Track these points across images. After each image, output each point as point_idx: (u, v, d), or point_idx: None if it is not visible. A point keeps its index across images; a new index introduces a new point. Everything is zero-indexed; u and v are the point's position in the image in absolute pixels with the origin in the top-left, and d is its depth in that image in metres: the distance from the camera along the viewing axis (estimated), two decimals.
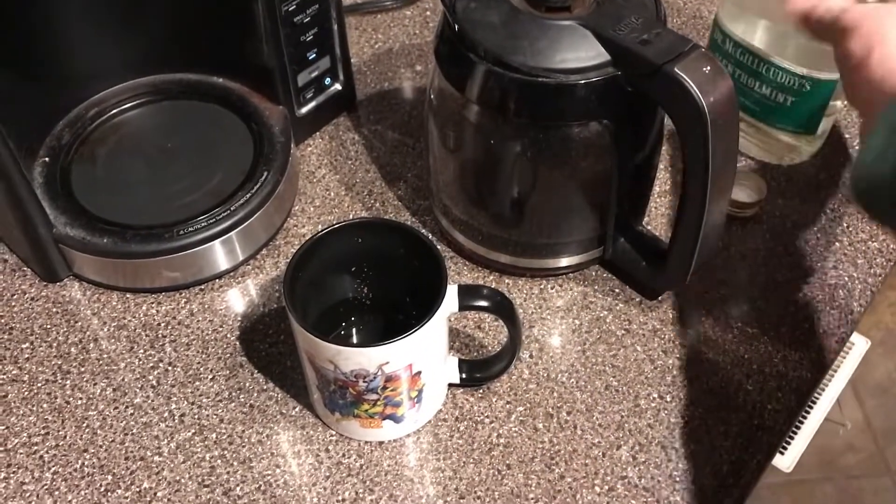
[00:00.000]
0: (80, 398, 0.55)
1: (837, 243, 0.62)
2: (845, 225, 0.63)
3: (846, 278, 0.60)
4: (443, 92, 0.53)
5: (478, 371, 0.54)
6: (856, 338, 1.53)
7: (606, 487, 0.51)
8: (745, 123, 0.65)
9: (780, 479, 1.39)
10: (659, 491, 0.51)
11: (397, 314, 0.55)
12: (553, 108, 0.50)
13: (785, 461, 1.39)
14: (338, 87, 0.68)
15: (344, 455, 0.52)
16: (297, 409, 0.54)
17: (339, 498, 0.51)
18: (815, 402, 1.44)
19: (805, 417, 1.42)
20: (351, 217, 0.64)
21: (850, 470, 1.42)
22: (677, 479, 0.51)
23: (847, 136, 0.69)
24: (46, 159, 0.61)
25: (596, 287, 0.60)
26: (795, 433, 1.40)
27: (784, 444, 1.39)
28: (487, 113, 0.51)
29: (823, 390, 1.45)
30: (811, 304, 0.59)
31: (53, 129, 0.63)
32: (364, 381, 0.48)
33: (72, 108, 0.64)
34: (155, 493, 0.51)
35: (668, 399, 0.54)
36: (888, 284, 1.62)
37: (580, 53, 0.48)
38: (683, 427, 0.53)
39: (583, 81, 0.48)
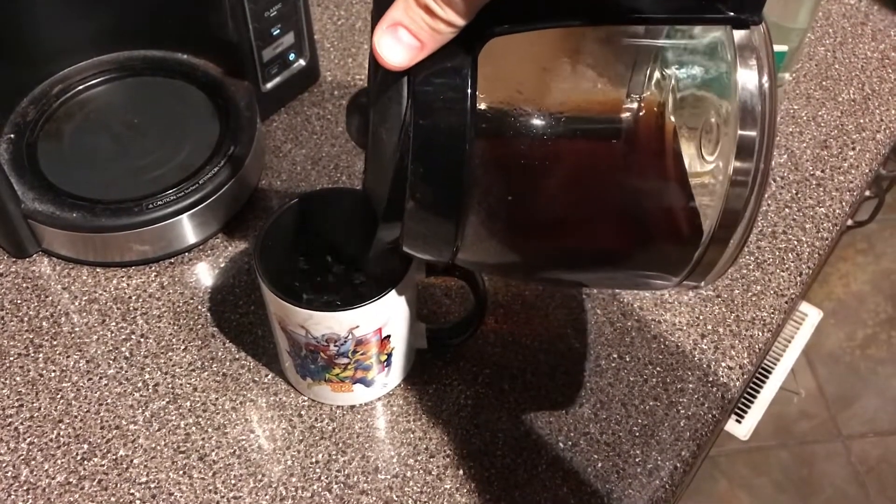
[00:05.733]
0: (54, 370, 0.56)
1: (787, 209, 0.65)
2: (794, 192, 0.66)
3: (795, 242, 0.63)
4: None
5: (445, 336, 0.56)
6: (809, 309, 1.58)
7: (570, 443, 0.53)
8: None
9: (737, 447, 1.43)
10: (620, 445, 0.53)
11: (367, 280, 0.56)
12: None
13: (742, 430, 1.44)
14: (302, 62, 0.69)
15: (316, 419, 0.54)
16: (269, 377, 0.56)
17: (313, 460, 0.52)
18: (770, 372, 1.48)
19: (761, 387, 1.46)
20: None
21: (804, 436, 1.47)
22: (637, 433, 0.53)
23: (795, 106, 0.71)
24: (12, 136, 0.61)
25: None
26: (752, 403, 1.45)
27: (741, 414, 1.43)
28: None
29: (778, 360, 1.50)
30: (763, 267, 0.61)
31: (18, 107, 0.63)
32: (335, 346, 0.49)
33: (36, 85, 0.64)
34: (131, 461, 0.52)
35: (628, 359, 0.57)
36: (838, 256, 1.68)
37: None
38: (642, 385, 0.55)
39: None
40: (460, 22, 0.34)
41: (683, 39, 0.42)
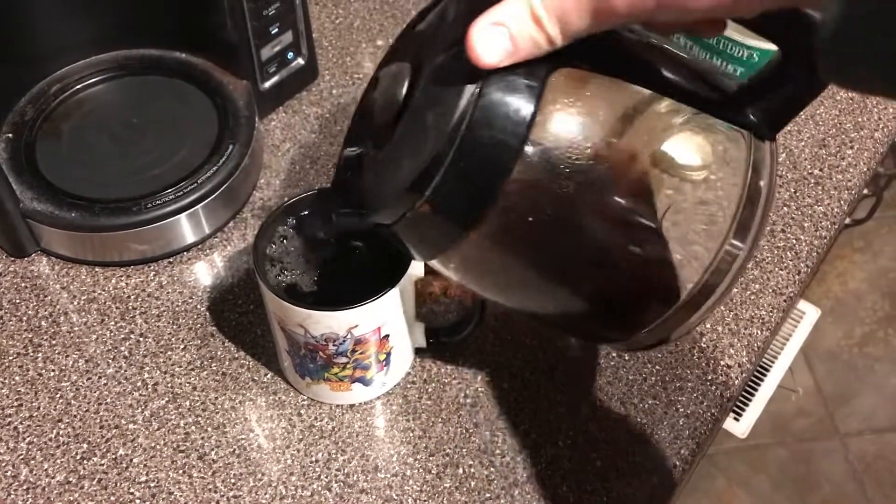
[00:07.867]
0: (53, 370, 0.56)
1: (786, 208, 0.65)
2: (793, 191, 0.66)
3: (794, 241, 0.63)
4: None
5: (444, 335, 0.56)
6: (807, 307, 1.58)
7: (569, 441, 0.53)
8: None
9: (735, 445, 1.43)
10: (619, 444, 0.53)
11: (365, 279, 0.56)
12: None
13: (740, 427, 1.44)
14: (300, 61, 0.69)
15: (316, 418, 0.54)
16: (268, 376, 0.56)
17: (313, 459, 0.52)
18: (768, 370, 1.48)
19: (759, 384, 1.46)
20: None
21: (801, 434, 1.48)
22: (636, 432, 0.53)
23: None
24: (10, 135, 0.61)
25: None
26: (750, 400, 1.45)
27: (739, 411, 1.44)
28: None
29: (776, 358, 1.50)
30: (761, 266, 0.61)
31: (16, 106, 0.63)
32: (334, 345, 0.49)
33: (34, 84, 0.64)
34: (131, 460, 0.52)
35: (627, 357, 0.57)
36: (836, 255, 1.68)
37: None
38: (641, 384, 0.55)
39: None
40: (560, 42, 0.35)
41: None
